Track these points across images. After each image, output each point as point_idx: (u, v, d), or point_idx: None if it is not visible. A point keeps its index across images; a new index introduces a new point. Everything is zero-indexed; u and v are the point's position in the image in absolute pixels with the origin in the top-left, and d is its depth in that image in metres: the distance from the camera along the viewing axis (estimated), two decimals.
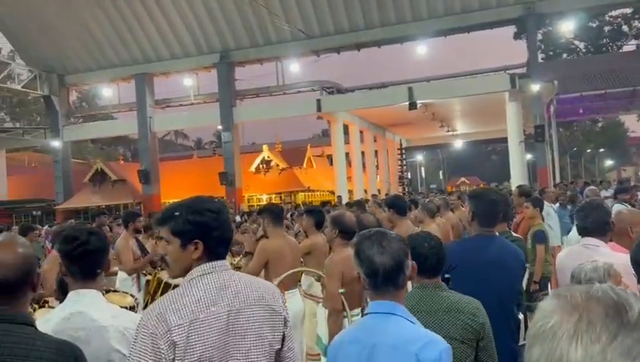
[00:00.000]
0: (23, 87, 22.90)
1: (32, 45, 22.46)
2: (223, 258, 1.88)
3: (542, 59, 31.15)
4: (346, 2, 19.76)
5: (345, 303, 3.69)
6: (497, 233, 3.38)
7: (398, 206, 5.72)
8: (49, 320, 2.11)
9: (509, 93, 18.98)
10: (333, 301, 3.70)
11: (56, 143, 23.35)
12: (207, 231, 1.82)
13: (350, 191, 22.69)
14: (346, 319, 3.69)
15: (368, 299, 3.51)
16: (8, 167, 26.82)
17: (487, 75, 21.21)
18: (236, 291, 1.81)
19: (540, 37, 29.79)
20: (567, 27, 23.26)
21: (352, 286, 3.74)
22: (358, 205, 7.99)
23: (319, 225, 5.15)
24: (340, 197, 19.15)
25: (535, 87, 18.37)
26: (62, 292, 2.69)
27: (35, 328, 1.73)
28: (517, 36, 36.06)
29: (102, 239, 2.26)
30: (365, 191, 22.49)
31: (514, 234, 4.47)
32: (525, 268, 3.38)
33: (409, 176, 35.72)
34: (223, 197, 19.20)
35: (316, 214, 5.23)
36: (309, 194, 26.74)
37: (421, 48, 20.77)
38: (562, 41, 38.54)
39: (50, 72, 23.02)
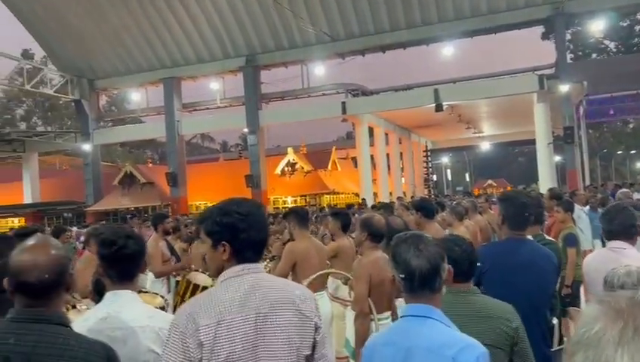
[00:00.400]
0: (54, 92, 23.40)
1: (63, 51, 23.02)
2: (255, 261, 1.87)
3: (571, 59, 30.50)
4: (371, 4, 19.70)
5: (372, 306, 3.68)
6: (530, 236, 3.32)
7: (425, 208, 5.70)
8: (87, 320, 2.16)
9: (538, 94, 18.65)
10: (360, 303, 3.70)
11: (86, 146, 23.85)
12: (233, 233, 1.82)
13: (375, 194, 22.58)
14: (373, 322, 3.68)
15: (397, 303, 3.47)
16: (40, 170, 27.43)
17: (514, 76, 20.83)
18: (266, 294, 1.80)
19: (568, 37, 29.18)
20: (596, 27, 22.67)
21: (380, 288, 3.73)
22: (385, 208, 7.93)
23: (346, 228, 5.16)
24: (364, 199, 19.05)
25: (564, 88, 18.01)
26: (97, 293, 2.74)
27: (70, 328, 1.77)
28: (545, 36, 35.43)
29: (139, 242, 2.28)
30: (390, 193, 22.35)
31: (547, 238, 4.39)
32: (559, 272, 3.32)
33: (434, 179, 35.38)
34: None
35: (343, 217, 5.25)
36: (334, 196, 26.68)
37: (447, 49, 20.51)
38: (592, 41, 37.65)
39: (81, 76, 23.54)
